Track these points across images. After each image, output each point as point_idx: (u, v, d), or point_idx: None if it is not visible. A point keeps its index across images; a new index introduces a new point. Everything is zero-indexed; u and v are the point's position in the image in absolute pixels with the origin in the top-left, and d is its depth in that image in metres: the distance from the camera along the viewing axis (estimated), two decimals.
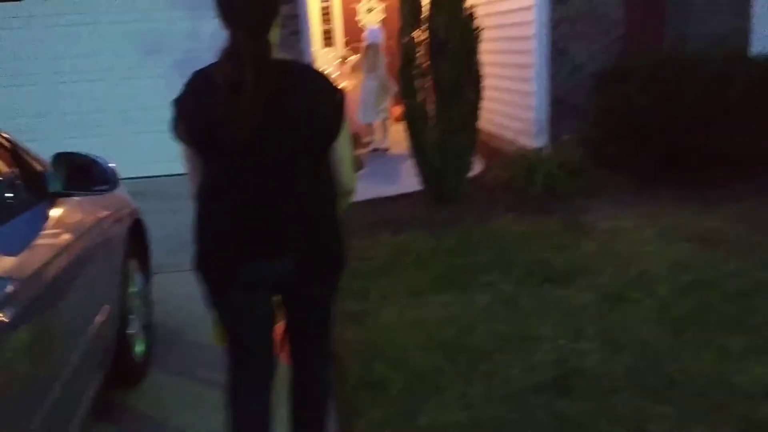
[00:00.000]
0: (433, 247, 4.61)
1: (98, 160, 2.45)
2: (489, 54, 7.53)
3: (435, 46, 5.23)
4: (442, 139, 5.35)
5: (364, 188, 6.52)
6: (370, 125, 8.57)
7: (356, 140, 9.46)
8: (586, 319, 3.36)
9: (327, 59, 10.21)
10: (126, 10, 6.76)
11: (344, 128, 1.90)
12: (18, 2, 6.70)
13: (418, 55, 5.31)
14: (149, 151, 6.60)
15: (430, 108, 5.36)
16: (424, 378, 2.91)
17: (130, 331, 2.94)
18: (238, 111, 1.73)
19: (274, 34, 1.85)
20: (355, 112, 8.57)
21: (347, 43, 10.56)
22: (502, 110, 7.65)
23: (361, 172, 7.29)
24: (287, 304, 2.05)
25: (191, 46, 6.39)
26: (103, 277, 2.60)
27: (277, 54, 1.82)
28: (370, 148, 8.48)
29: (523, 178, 5.73)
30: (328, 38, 10.76)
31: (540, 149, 6.58)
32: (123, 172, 6.64)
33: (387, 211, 5.59)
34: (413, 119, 5.42)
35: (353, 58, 9.20)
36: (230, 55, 1.76)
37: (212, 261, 1.93)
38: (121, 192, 3.14)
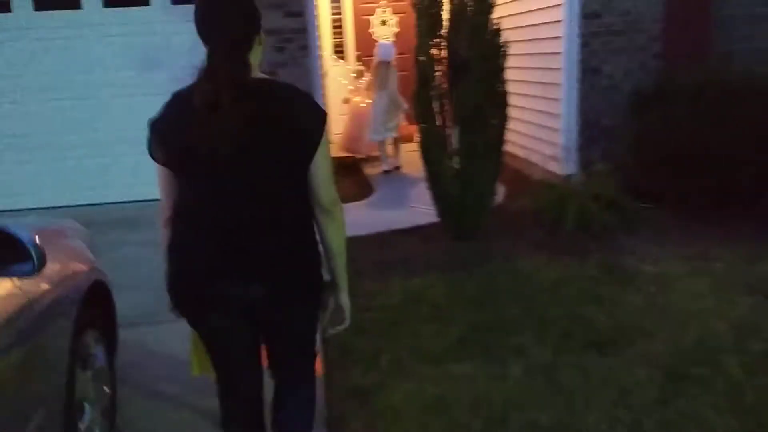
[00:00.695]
0: (452, 296, 4.02)
1: (19, 234, 1.89)
2: (514, 71, 6.94)
3: (455, 64, 4.66)
4: (463, 168, 4.76)
5: (372, 218, 6.03)
6: (381, 143, 8.10)
7: (366, 160, 9.02)
8: (645, 405, 2.75)
9: (339, 74, 9.70)
10: (121, 24, 6.26)
11: (323, 145, 1.84)
12: (6, 14, 6.21)
13: (436, 74, 4.73)
14: (148, 173, 6.06)
15: (449, 133, 4.78)
16: None
17: (83, 424, 2.37)
18: (215, 132, 1.71)
19: (256, 53, 1.84)
20: (367, 130, 8.32)
21: (359, 57, 10.03)
22: (528, 132, 7.05)
23: (371, 198, 6.77)
24: (264, 332, 2.02)
25: (191, 62, 5.89)
26: (37, 373, 2.03)
27: (257, 73, 1.84)
28: (381, 169, 8.06)
29: (552, 211, 5.13)
30: (339, 51, 10.25)
31: (569, 176, 5.99)
32: (120, 196, 6.26)
33: (398, 247, 5.00)
34: (430, 146, 4.83)
35: (367, 75, 8.70)
36: (207, 75, 1.73)
37: (185, 282, 1.91)
38: (72, 249, 2.59)
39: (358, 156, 8.77)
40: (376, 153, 8.48)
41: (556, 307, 3.76)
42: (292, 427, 2.12)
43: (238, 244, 1.83)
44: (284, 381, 2.11)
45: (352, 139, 8.85)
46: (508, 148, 7.10)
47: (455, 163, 4.79)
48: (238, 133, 1.71)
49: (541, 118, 6.68)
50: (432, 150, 4.83)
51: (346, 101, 9.00)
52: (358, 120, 8.66)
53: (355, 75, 9.30)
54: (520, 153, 7.20)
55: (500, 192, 6.04)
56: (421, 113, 4.83)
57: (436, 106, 4.77)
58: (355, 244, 4.97)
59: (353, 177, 7.95)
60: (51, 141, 6.32)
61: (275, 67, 6.59)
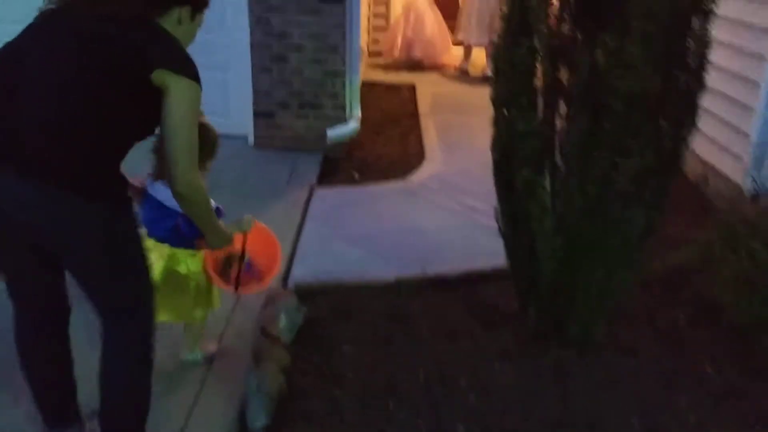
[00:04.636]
0: None
1: None
2: None
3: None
4: (579, 219, 2.25)
5: (394, 236, 3.32)
6: (469, 50, 6.89)
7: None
8: None
9: None
10: None
11: (180, 105, 1.63)
12: None
13: (549, 12, 2.13)
14: None
15: (557, 143, 2.24)
16: None
17: None
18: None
19: None
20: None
21: None
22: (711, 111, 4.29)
23: (420, 171, 4.19)
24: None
25: None
26: None
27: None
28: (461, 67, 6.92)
29: (742, 297, 2.60)
30: None
31: None
32: None
33: (406, 338, 2.59)
34: (514, 161, 2.30)
35: None
36: None
37: None
38: None
39: (427, 63, 7.01)
40: (455, 63, 7.07)
41: None
42: (106, 382, 1.79)
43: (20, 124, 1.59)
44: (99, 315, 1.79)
45: (417, 41, 6.66)
46: None
47: (566, 203, 2.27)
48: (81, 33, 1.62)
49: (736, 90, 3.85)
50: (515, 170, 2.30)
51: None
52: (428, 13, 6.94)
53: None
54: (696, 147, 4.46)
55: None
56: (505, 91, 2.27)
57: (539, 84, 2.21)
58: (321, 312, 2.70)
59: (402, 119, 5.43)
60: None
61: None
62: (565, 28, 2.11)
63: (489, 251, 3.07)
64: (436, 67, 7.07)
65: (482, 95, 6.16)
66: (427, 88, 6.26)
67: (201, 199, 1.76)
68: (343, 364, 2.43)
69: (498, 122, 2.35)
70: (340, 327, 2.65)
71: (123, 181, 1.71)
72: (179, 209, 1.89)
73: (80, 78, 1.59)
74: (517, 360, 2.45)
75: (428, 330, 2.65)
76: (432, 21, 6.96)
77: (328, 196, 3.88)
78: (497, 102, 2.32)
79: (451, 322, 2.70)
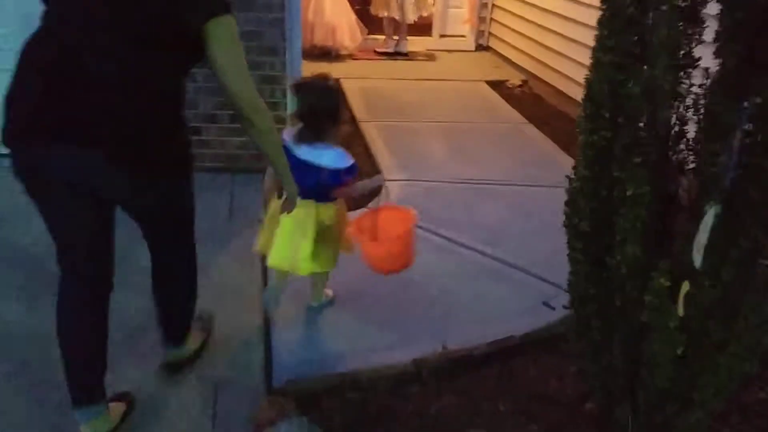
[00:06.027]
0: None
1: None
2: None
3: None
4: (714, 304, 1.70)
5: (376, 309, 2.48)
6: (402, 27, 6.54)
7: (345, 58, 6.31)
8: None
9: None
10: None
11: (223, 26, 1.62)
12: None
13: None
14: None
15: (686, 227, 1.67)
16: None
17: None
18: None
19: None
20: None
21: None
22: None
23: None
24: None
25: None
26: None
27: None
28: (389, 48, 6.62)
29: None
30: None
31: None
32: None
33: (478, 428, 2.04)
34: (614, 231, 1.72)
35: None
36: None
37: (14, 136, 1.63)
38: None
39: (336, 50, 6.32)
40: (382, 48, 6.67)
41: None
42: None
43: (81, 93, 1.59)
44: (157, 255, 2.04)
45: (317, 26, 5.97)
46: None
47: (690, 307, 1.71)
48: None
49: None
50: (615, 244, 1.71)
51: None
52: None
53: None
54: None
55: None
56: (605, 141, 1.66)
57: (655, 135, 1.61)
58: None
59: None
60: None
61: None
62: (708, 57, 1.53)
63: (499, 303, 2.64)
64: (351, 55, 6.38)
65: (415, 90, 5.57)
66: (353, 82, 5.55)
67: (269, 122, 1.78)
68: None
69: (588, 178, 1.74)
70: None
71: (185, 146, 1.80)
72: (321, 164, 2.17)
73: (126, 43, 1.58)
74: None
75: None
76: (332, 2, 6.21)
77: None
78: (590, 153, 1.70)
79: (500, 425, 2.10)
